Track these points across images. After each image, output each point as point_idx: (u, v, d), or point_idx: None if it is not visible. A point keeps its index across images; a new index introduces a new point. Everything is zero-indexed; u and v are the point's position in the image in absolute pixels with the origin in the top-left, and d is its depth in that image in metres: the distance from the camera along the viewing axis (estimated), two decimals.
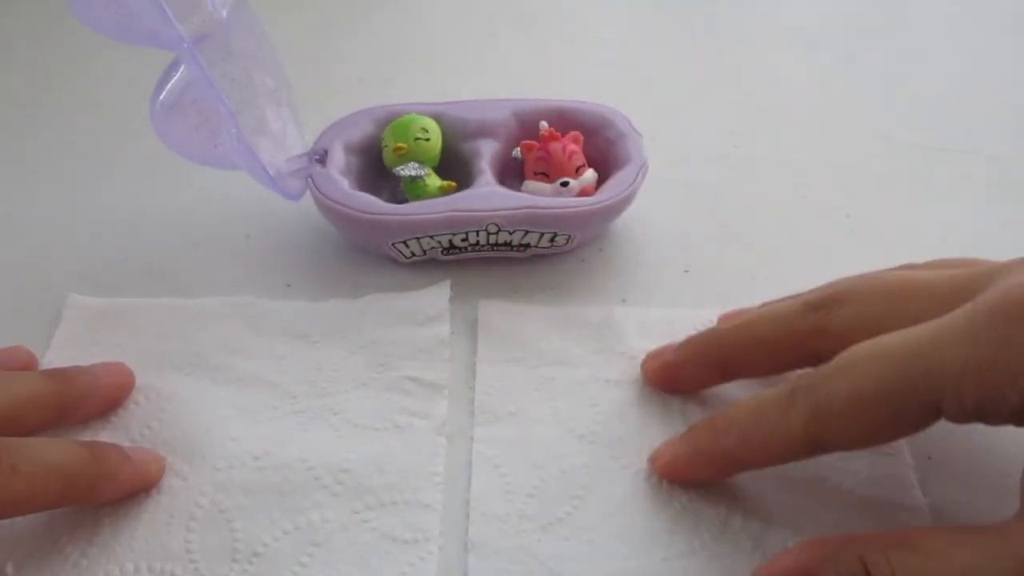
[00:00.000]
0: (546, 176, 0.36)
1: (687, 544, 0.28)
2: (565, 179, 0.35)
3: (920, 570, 0.23)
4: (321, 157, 0.36)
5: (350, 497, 0.29)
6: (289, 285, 0.37)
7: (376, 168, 0.38)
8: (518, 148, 0.37)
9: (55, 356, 0.33)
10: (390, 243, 0.35)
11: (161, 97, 0.31)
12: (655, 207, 0.38)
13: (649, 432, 0.31)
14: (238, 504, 0.29)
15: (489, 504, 0.29)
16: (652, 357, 0.32)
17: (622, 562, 0.28)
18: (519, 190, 0.36)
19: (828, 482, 0.29)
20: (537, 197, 0.35)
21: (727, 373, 0.31)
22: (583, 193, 0.36)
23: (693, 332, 0.33)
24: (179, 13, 0.31)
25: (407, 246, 0.35)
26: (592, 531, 0.29)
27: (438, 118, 0.37)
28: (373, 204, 0.35)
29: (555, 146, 0.36)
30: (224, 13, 0.32)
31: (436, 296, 0.35)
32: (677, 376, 0.31)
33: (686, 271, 0.37)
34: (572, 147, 0.36)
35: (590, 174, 0.36)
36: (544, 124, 0.37)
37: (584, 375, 0.33)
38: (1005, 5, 0.54)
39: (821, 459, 0.29)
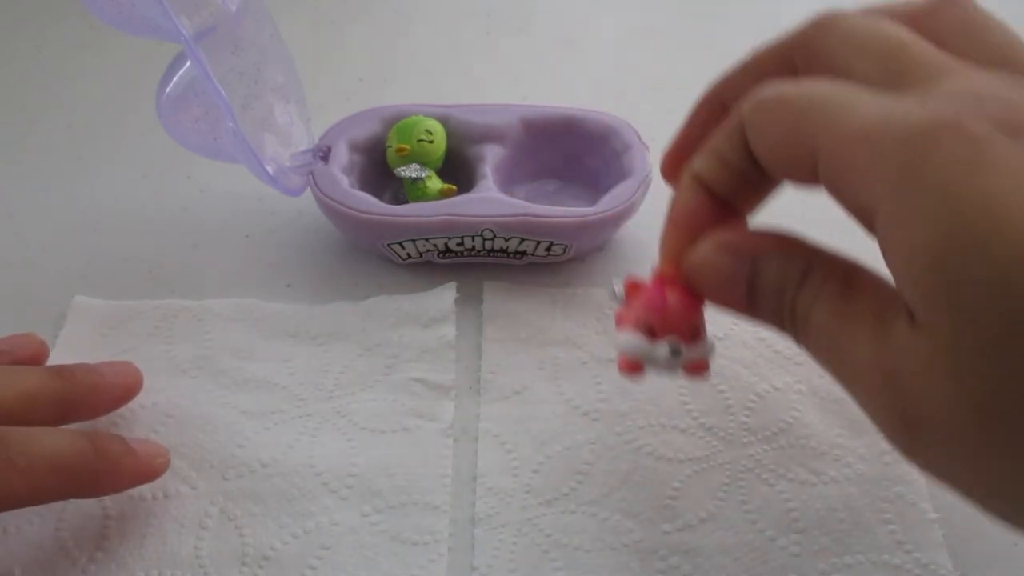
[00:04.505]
0: (652, 334, 0.25)
1: (689, 517, 0.29)
2: (676, 344, 0.25)
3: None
4: (325, 154, 0.36)
5: (359, 500, 0.29)
6: (289, 285, 0.36)
7: (381, 168, 0.37)
8: (620, 283, 0.27)
9: (60, 357, 0.32)
10: (386, 244, 0.35)
11: (168, 89, 0.31)
12: (657, 208, 0.38)
13: (651, 409, 0.31)
14: (247, 511, 0.29)
15: (495, 479, 0.30)
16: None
17: (626, 535, 0.28)
18: (524, 198, 0.35)
19: (827, 456, 0.30)
20: (532, 204, 0.34)
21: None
22: (693, 368, 0.26)
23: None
24: (185, 5, 0.30)
25: (403, 247, 0.35)
26: (596, 505, 0.29)
27: (445, 120, 0.37)
28: (369, 203, 0.35)
29: (673, 296, 0.25)
30: (233, 7, 0.32)
31: (441, 298, 0.35)
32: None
33: None
34: (690, 299, 0.25)
35: (709, 344, 0.26)
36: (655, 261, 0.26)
37: (587, 355, 0.33)
38: (1008, 6, 0.54)
39: (822, 435, 0.31)
